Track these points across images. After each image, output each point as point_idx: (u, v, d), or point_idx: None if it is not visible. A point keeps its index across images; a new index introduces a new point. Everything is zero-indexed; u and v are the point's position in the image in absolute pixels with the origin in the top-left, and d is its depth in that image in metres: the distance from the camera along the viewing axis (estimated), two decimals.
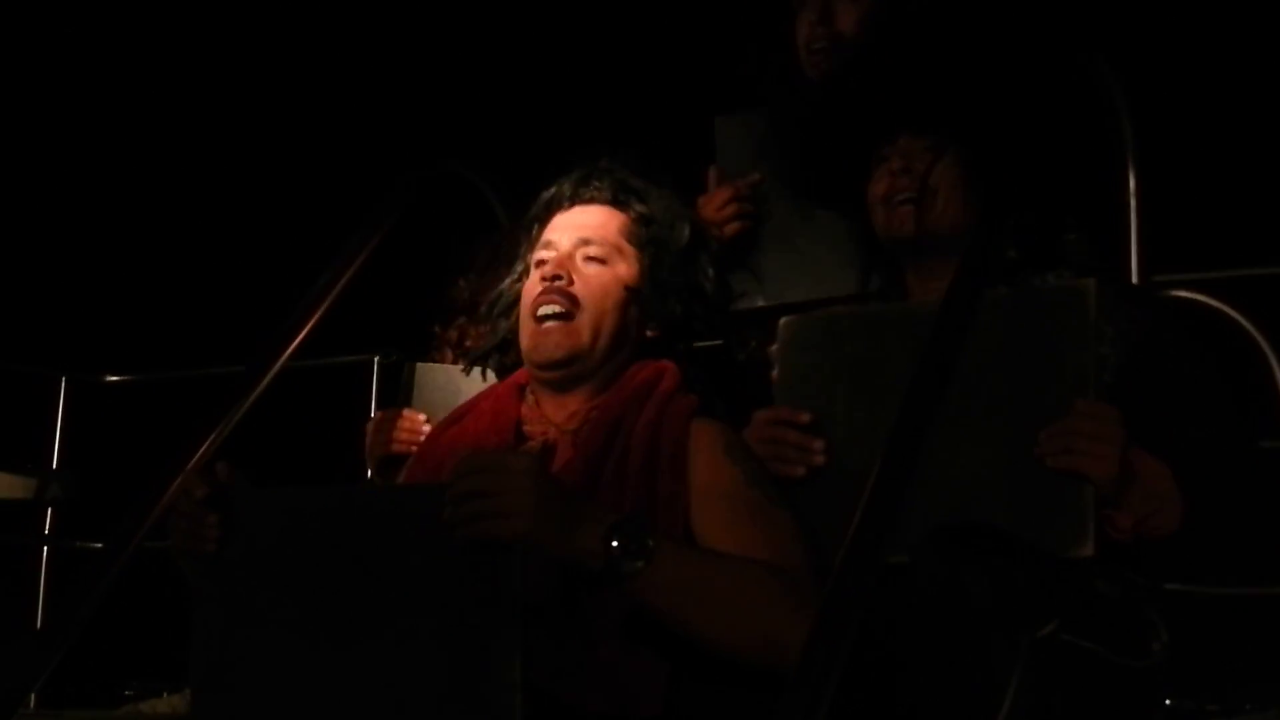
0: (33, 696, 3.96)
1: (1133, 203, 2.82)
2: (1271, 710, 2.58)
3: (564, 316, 2.31)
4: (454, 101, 4.88)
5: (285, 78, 5.23)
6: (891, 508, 1.77)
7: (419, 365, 3.08)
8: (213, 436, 2.51)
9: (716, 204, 2.85)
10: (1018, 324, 2.12)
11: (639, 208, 2.41)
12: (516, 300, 2.44)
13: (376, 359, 4.32)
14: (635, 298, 2.36)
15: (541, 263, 2.37)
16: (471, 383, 2.69)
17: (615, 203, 2.41)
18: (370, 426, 2.97)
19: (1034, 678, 1.92)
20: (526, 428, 2.35)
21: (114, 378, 5.12)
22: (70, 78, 5.35)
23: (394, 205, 2.94)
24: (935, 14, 2.82)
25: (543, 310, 2.32)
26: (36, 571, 4.83)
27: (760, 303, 2.84)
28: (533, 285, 2.36)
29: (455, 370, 2.98)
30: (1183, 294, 2.78)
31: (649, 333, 2.39)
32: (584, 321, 2.31)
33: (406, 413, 2.93)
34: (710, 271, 2.44)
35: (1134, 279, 2.82)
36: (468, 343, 3.18)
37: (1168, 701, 2.25)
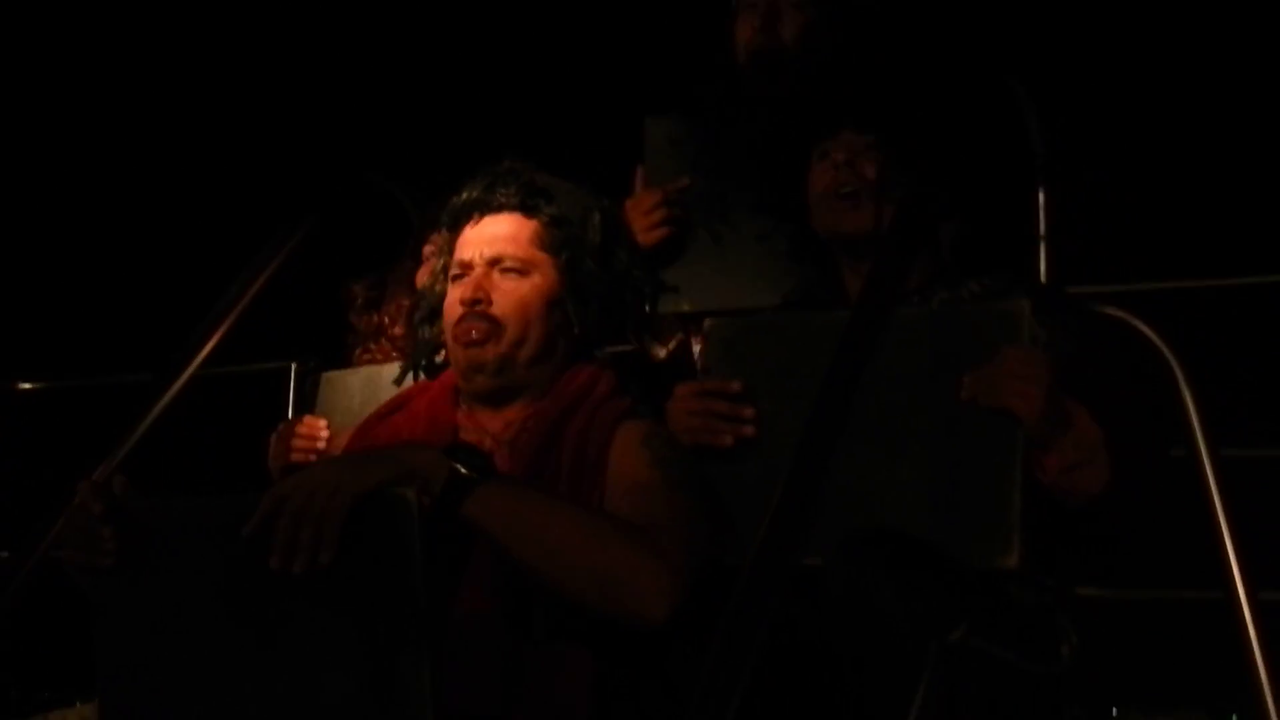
0: None
1: (1042, 216, 2.86)
2: (1179, 710, 2.63)
3: (488, 340, 2.31)
4: (371, 104, 4.85)
5: (196, 83, 5.18)
6: (799, 510, 1.79)
7: (327, 374, 3.07)
8: (123, 445, 2.49)
9: (644, 208, 2.85)
10: (950, 340, 2.14)
11: (548, 210, 2.39)
12: (438, 306, 2.44)
13: (293, 366, 4.28)
14: (557, 304, 2.36)
15: (457, 278, 2.36)
16: (385, 389, 2.69)
17: (524, 209, 2.40)
18: (274, 438, 2.95)
19: (943, 683, 1.94)
20: (463, 435, 2.35)
21: (26, 385, 5.05)
22: None
23: (308, 212, 2.93)
24: (877, 25, 2.85)
25: (466, 340, 2.31)
26: None
27: (685, 308, 2.85)
28: (453, 307, 2.35)
29: (369, 373, 2.97)
30: (1092, 307, 2.81)
31: (576, 333, 2.39)
32: (507, 337, 2.31)
33: (306, 420, 2.92)
34: (626, 260, 2.44)
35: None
36: (396, 329, 3.17)
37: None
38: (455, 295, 2.35)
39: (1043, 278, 2.86)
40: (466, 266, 2.37)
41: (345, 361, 3.30)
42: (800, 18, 2.90)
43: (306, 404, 3.07)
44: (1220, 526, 2.48)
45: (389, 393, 2.67)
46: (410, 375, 2.56)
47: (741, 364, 2.31)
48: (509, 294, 2.33)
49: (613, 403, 2.32)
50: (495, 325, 2.31)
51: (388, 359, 3.16)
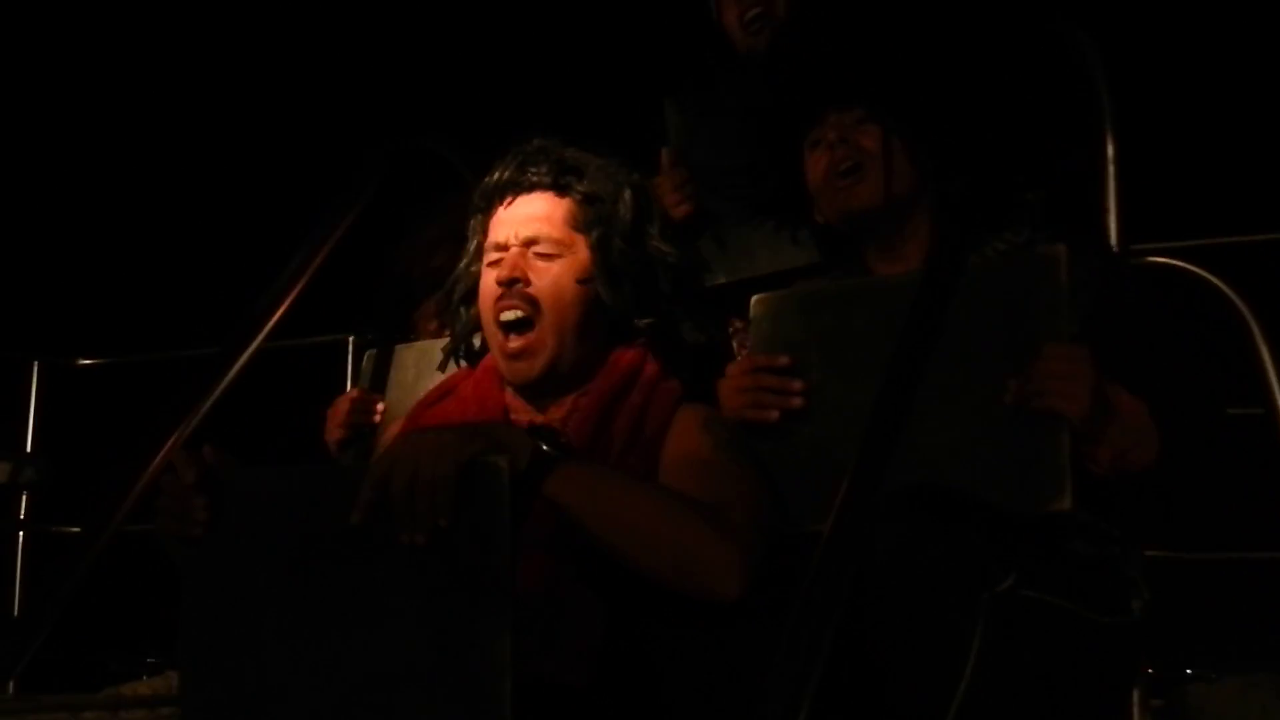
0: (11, 683, 3.95)
1: (1111, 170, 2.81)
2: (1260, 673, 2.60)
3: (524, 323, 2.29)
4: (421, 77, 4.86)
5: (254, 60, 5.20)
6: (876, 480, 1.77)
7: (384, 348, 3.07)
8: (187, 419, 2.49)
9: (670, 186, 2.84)
10: (990, 290, 2.12)
11: (580, 188, 2.36)
12: (474, 287, 2.42)
13: (351, 339, 4.29)
14: (591, 284, 2.34)
15: (494, 263, 2.35)
16: (438, 362, 2.68)
17: (556, 187, 2.36)
18: (330, 412, 2.97)
19: (1000, 634, 1.93)
20: (514, 416, 2.34)
21: (87, 361, 5.09)
22: (39, 65, 5.32)
23: (366, 182, 2.92)
24: None
25: (504, 316, 2.30)
26: (12, 557, 4.81)
27: (721, 279, 2.84)
28: (489, 288, 2.34)
29: (422, 347, 2.97)
30: (1162, 260, 2.78)
31: (611, 312, 2.37)
32: (546, 326, 2.29)
33: (360, 394, 2.94)
34: (659, 237, 2.41)
35: (1113, 245, 2.82)
36: (431, 325, 3.17)
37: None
38: (491, 277, 2.33)
39: (1112, 236, 2.81)
40: (502, 248, 2.34)
41: (403, 332, 3.30)
42: None
43: (361, 374, 3.07)
44: None
45: (441, 367, 2.66)
46: (452, 361, 2.55)
47: (789, 336, 2.30)
48: (544, 274, 2.31)
49: (667, 384, 2.31)
50: (534, 305, 2.29)
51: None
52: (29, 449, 4.93)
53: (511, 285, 2.29)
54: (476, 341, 2.46)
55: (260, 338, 2.65)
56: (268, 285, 2.81)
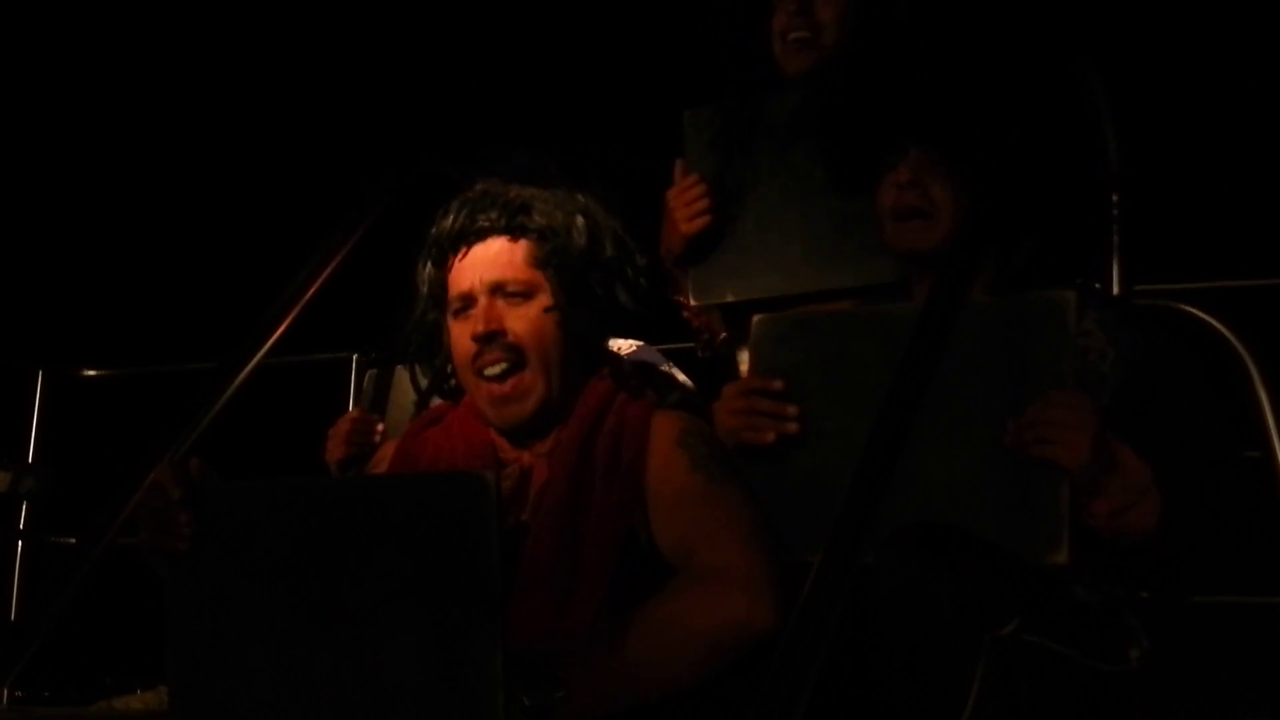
0: (5, 692, 3.95)
1: (1115, 212, 2.82)
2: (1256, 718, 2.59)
3: (513, 368, 2.29)
4: (431, 92, 4.87)
5: (265, 75, 5.22)
6: (870, 510, 1.77)
7: (386, 369, 3.08)
8: (186, 433, 2.50)
9: (684, 199, 2.83)
10: (997, 331, 2.12)
11: (533, 225, 2.35)
12: (431, 337, 2.42)
13: (355, 357, 4.30)
14: (563, 318, 2.34)
15: (459, 311, 2.34)
16: None
17: (509, 230, 2.35)
18: (332, 432, 2.97)
19: (1000, 677, 1.92)
20: (501, 455, 2.34)
21: (91, 372, 5.09)
22: (46, 73, 5.33)
23: (374, 202, 2.94)
24: (924, 20, 2.81)
25: (490, 372, 2.29)
26: (10, 566, 4.80)
27: (729, 298, 2.83)
28: (464, 345, 2.32)
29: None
30: (1165, 304, 2.78)
31: (586, 342, 2.38)
32: (534, 368, 2.29)
33: (361, 414, 2.94)
34: (616, 253, 2.40)
35: (1115, 288, 2.82)
36: None
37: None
38: (465, 330, 2.32)
39: (1115, 281, 2.81)
40: (468, 298, 2.33)
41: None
42: (837, 2, 2.87)
43: (364, 394, 3.09)
44: None
45: None
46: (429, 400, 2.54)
47: (789, 360, 2.29)
48: (520, 319, 2.30)
49: (639, 401, 2.31)
50: (517, 353, 2.29)
51: None
52: (30, 459, 4.93)
53: (491, 340, 2.29)
54: (451, 383, 2.45)
55: (260, 354, 2.66)
56: (272, 301, 2.81)
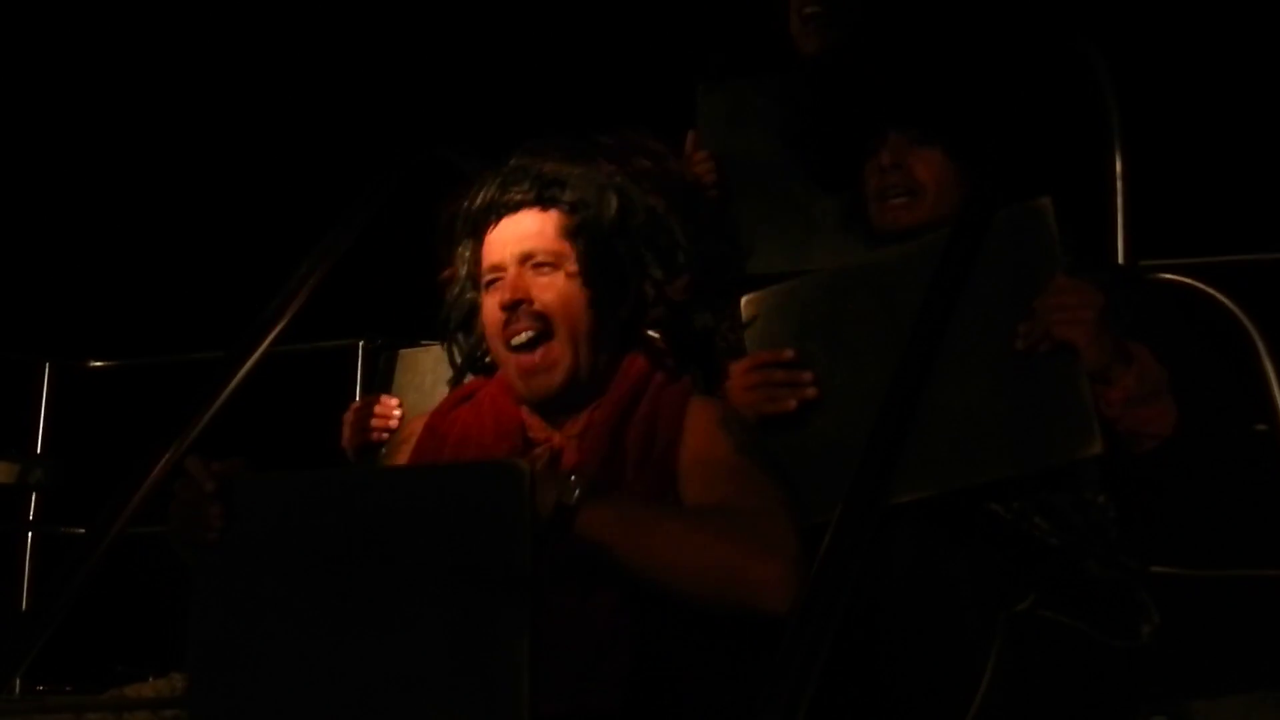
0: (17, 681, 3.96)
1: (1119, 186, 2.82)
2: (1259, 692, 2.59)
3: (541, 338, 2.29)
4: (439, 80, 4.86)
5: (270, 63, 5.21)
6: (897, 449, 1.77)
7: (401, 352, 3.07)
8: (193, 423, 2.50)
9: (691, 171, 2.84)
10: (985, 254, 2.10)
11: (565, 198, 2.35)
12: (469, 313, 2.42)
13: (362, 344, 4.30)
14: (594, 290, 2.33)
15: (491, 284, 2.34)
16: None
17: (541, 202, 2.35)
18: (348, 417, 2.96)
19: (1015, 653, 1.93)
20: (531, 434, 2.34)
21: (98, 363, 5.10)
22: (51, 64, 5.33)
23: (380, 190, 2.93)
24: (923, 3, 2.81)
25: (516, 340, 2.29)
26: (20, 557, 4.82)
27: (743, 269, 2.84)
28: (493, 314, 2.32)
29: (440, 351, 2.97)
30: (1169, 277, 2.77)
31: (620, 316, 2.37)
32: (561, 338, 2.29)
33: (380, 399, 2.93)
34: (657, 227, 2.40)
35: (1120, 262, 2.82)
36: None
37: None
38: (494, 300, 2.32)
39: (1120, 253, 2.82)
40: (498, 269, 2.33)
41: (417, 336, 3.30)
42: None
43: (379, 382, 3.07)
44: None
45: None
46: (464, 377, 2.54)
47: (787, 331, 2.31)
48: (548, 288, 2.30)
49: (675, 386, 2.30)
50: (544, 321, 2.29)
51: None
52: (38, 450, 4.94)
53: (516, 307, 2.28)
54: (485, 359, 2.46)
55: (267, 342, 2.66)
56: (278, 290, 2.81)
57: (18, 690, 3.98)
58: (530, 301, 2.28)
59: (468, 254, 2.41)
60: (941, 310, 1.92)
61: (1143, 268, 2.86)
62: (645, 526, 2.03)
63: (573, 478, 2.01)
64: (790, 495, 2.14)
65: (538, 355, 2.28)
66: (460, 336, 2.47)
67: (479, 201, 2.38)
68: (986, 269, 2.08)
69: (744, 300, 2.37)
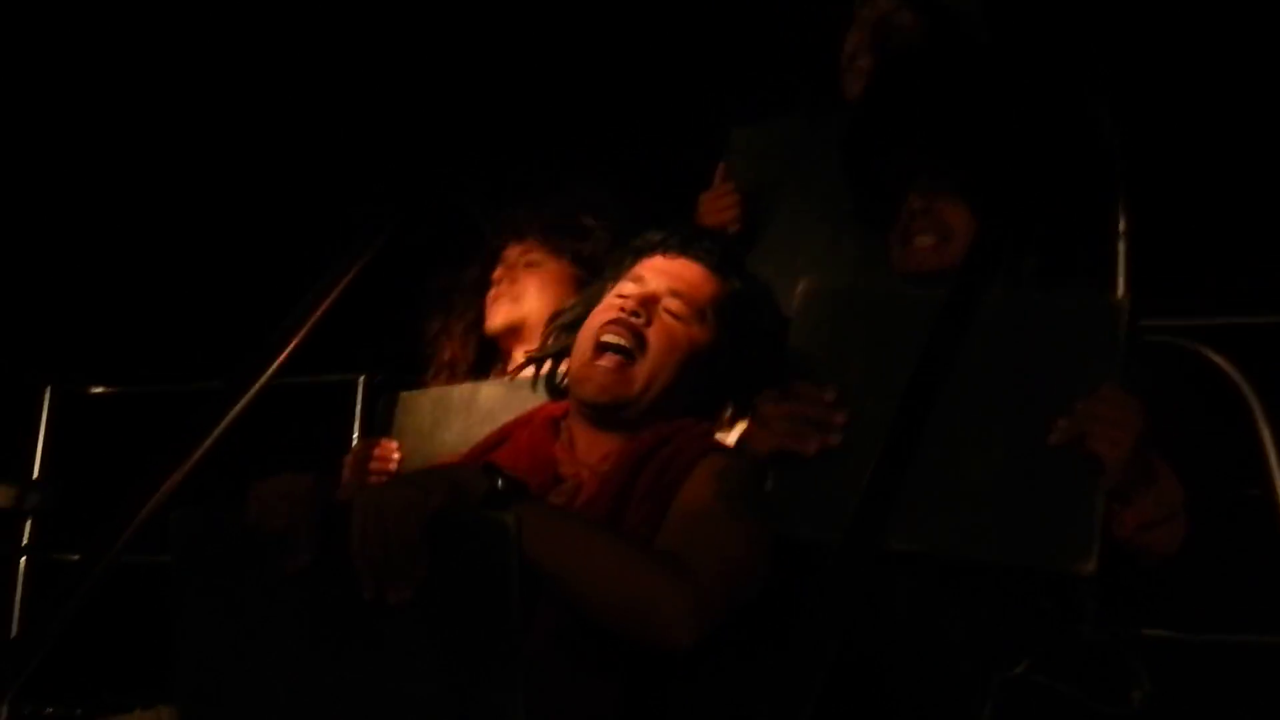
0: (5, 706, 3.94)
1: (1122, 246, 2.82)
2: None
3: (625, 353, 2.30)
4: (445, 115, 4.88)
5: (276, 92, 5.23)
6: (891, 493, 1.76)
7: (401, 395, 3.09)
8: (191, 452, 2.51)
9: (718, 204, 2.86)
10: (1042, 329, 2.09)
11: (737, 284, 2.40)
12: (584, 315, 2.44)
13: (362, 379, 4.30)
14: (699, 362, 2.35)
15: (622, 294, 2.36)
16: (456, 409, 2.69)
17: (719, 270, 2.40)
18: (347, 459, 2.98)
19: (1004, 715, 1.92)
20: (561, 469, 2.34)
21: (99, 389, 5.10)
22: (52, 86, 5.35)
23: (383, 227, 2.95)
24: (941, 54, 2.81)
25: (606, 338, 2.32)
26: (13, 581, 4.81)
27: None
28: (605, 309, 2.35)
29: (439, 394, 2.98)
30: (1169, 340, 2.78)
31: (702, 396, 2.38)
32: (642, 368, 2.31)
33: (380, 443, 2.94)
34: (762, 354, 2.42)
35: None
36: (446, 354, 3.18)
37: None
38: (618, 294, 2.35)
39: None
40: (640, 282, 2.37)
41: (420, 374, 3.31)
42: (909, 39, 2.88)
43: (379, 424, 3.08)
44: None
45: (459, 413, 2.68)
46: (467, 395, 2.55)
47: (831, 334, 2.25)
48: (666, 329, 2.34)
49: (702, 441, 2.32)
50: (640, 343, 2.31)
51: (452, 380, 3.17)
52: (36, 474, 4.93)
53: (633, 315, 2.30)
54: (560, 369, 2.47)
55: (269, 373, 2.67)
56: (280, 321, 2.82)
57: (5, 715, 3.97)
58: (646, 324, 2.30)
59: (618, 269, 2.44)
60: (939, 362, 1.91)
61: (1142, 328, 2.86)
62: (567, 534, 2.03)
63: (500, 477, 2.01)
64: (752, 549, 2.14)
65: (612, 363, 2.29)
66: (563, 334, 2.49)
67: (664, 235, 2.45)
68: (1047, 343, 2.07)
69: (802, 285, 2.30)
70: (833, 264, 2.77)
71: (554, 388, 2.51)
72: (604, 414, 2.33)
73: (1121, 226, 2.85)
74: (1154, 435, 2.05)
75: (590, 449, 2.35)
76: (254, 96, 5.30)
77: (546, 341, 2.56)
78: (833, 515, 1.97)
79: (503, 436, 2.45)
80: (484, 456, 2.40)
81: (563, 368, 2.52)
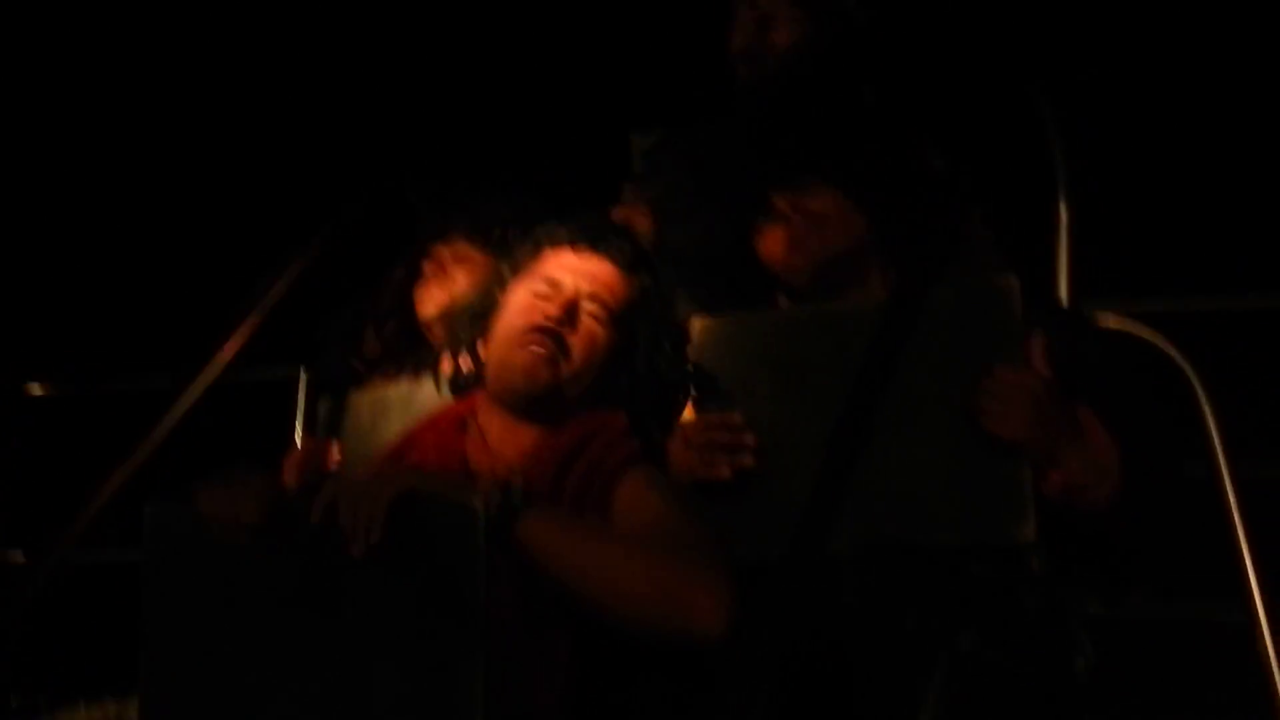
0: None
1: (1063, 230, 2.85)
2: None
3: (549, 359, 2.31)
4: (391, 112, 4.86)
5: (220, 87, 5.19)
6: (835, 502, 1.79)
7: (340, 393, 3.07)
8: (136, 452, 2.49)
9: (632, 221, 2.86)
10: (943, 318, 2.14)
11: (647, 280, 2.40)
12: (490, 308, 2.43)
13: (303, 375, 4.27)
14: (614, 363, 2.36)
15: (540, 296, 2.35)
16: (394, 408, 2.69)
17: (629, 268, 2.41)
18: (288, 461, 2.97)
19: (953, 691, 1.94)
20: (472, 465, 2.34)
21: (38, 390, 5.05)
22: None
23: (333, 229, 2.93)
24: (874, 38, 2.83)
25: (532, 347, 2.31)
26: None
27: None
28: (525, 309, 2.34)
29: (379, 395, 2.97)
30: (1112, 323, 2.81)
31: (617, 393, 2.39)
32: (565, 370, 2.31)
33: (317, 442, 2.94)
34: (670, 353, 2.43)
35: (1064, 302, 2.84)
36: (380, 352, 3.17)
37: None
38: (539, 302, 2.34)
39: (1063, 294, 2.84)
40: (557, 286, 2.36)
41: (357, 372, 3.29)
42: (795, 27, 2.89)
43: (320, 424, 3.07)
44: (1240, 546, 2.47)
45: (397, 412, 2.68)
46: (403, 392, 2.54)
47: (734, 362, 2.32)
48: (588, 334, 2.33)
49: (625, 442, 2.31)
50: (565, 351, 2.31)
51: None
52: None
53: (559, 323, 2.31)
54: (464, 365, 2.46)
55: (216, 371, 2.65)
56: (224, 320, 2.80)
57: None
58: (570, 330, 2.31)
59: (525, 257, 2.43)
60: (880, 371, 1.94)
61: (1085, 311, 2.88)
62: (587, 540, 2.04)
63: (515, 484, 2.02)
64: (719, 539, 2.14)
65: (542, 352, 2.29)
66: (466, 327, 2.47)
67: (574, 227, 2.43)
68: (948, 334, 2.13)
69: (694, 322, 2.38)
70: (743, 262, 2.78)
71: (457, 385, 2.49)
72: (528, 404, 2.33)
73: (1063, 211, 2.87)
74: (1086, 400, 2.09)
75: (505, 442, 2.34)
76: (191, 92, 5.26)
77: (457, 332, 2.54)
78: (765, 531, 2.03)
79: (408, 442, 2.43)
80: (391, 463, 2.39)
81: (465, 363, 2.50)
